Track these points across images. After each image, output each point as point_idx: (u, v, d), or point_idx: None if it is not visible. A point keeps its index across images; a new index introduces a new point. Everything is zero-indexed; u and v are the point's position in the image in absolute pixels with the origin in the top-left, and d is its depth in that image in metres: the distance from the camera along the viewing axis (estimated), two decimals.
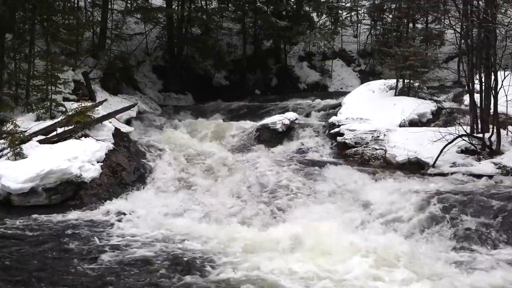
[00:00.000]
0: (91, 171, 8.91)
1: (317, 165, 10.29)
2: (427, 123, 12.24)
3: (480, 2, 10.60)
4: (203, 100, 18.75)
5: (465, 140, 9.97)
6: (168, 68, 20.30)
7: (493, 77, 10.00)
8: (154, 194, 8.93)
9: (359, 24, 25.14)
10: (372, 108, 12.83)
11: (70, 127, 10.04)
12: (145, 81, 19.50)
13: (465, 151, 9.97)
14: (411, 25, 20.13)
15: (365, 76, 21.77)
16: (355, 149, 11.09)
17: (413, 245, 6.64)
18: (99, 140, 9.94)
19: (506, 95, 9.89)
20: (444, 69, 16.56)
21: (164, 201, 8.57)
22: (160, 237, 6.96)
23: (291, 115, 12.98)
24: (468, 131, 10.17)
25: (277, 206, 8.34)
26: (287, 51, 22.65)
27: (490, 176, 9.09)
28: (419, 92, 13.65)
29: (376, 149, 10.79)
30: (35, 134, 9.86)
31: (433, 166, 9.68)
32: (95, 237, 6.86)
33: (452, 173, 9.35)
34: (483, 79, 10.34)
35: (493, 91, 10.02)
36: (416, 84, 13.72)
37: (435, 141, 9.83)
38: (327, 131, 12.25)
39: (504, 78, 9.82)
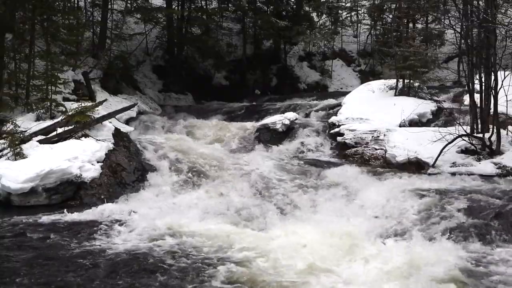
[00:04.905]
0: (91, 171, 8.90)
1: (317, 165, 10.31)
2: (427, 123, 12.26)
3: (480, 2, 10.61)
4: (203, 100, 18.74)
5: (465, 140, 9.97)
6: (168, 68, 20.29)
7: (493, 77, 10.01)
8: (153, 194, 8.91)
9: (359, 24, 25.15)
10: (372, 108, 12.84)
11: (70, 127, 10.03)
12: (145, 81, 19.49)
13: (465, 151, 9.97)
14: (411, 25, 20.12)
15: (365, 76, 21.79)
16: (355, 149, 11.11)
17: (412, 245, 6.63)
18: (99, 140, 9.94)
19: (506, 95, 9.90)
20: (444, 69, 16.61)
21: (164, 201, 8.57)
22: (160, 236, 6.96)
23: (291, 115, 12.99)
24: (468, 131, 10.18)
25: (277, 206, 8.33)
26: (287, 51, 22.66)
27: (490, 176, 9.10)
28: (419, 92, 13.66)
29: (376, 149, 10.80)
30: (35, 134, 9.85)
31: (433, 166, 9.69)
32: (95, 237, 6.85)
33: (452, 173, 9.36)
34: (483, 79, 10.34)
35: (493, 91, 10.02)
36: (416, 84, 13.73)
37: (435, 141, 9.84)
38: (327, 131, 12.27)
39: (504, 78, 9.83)
